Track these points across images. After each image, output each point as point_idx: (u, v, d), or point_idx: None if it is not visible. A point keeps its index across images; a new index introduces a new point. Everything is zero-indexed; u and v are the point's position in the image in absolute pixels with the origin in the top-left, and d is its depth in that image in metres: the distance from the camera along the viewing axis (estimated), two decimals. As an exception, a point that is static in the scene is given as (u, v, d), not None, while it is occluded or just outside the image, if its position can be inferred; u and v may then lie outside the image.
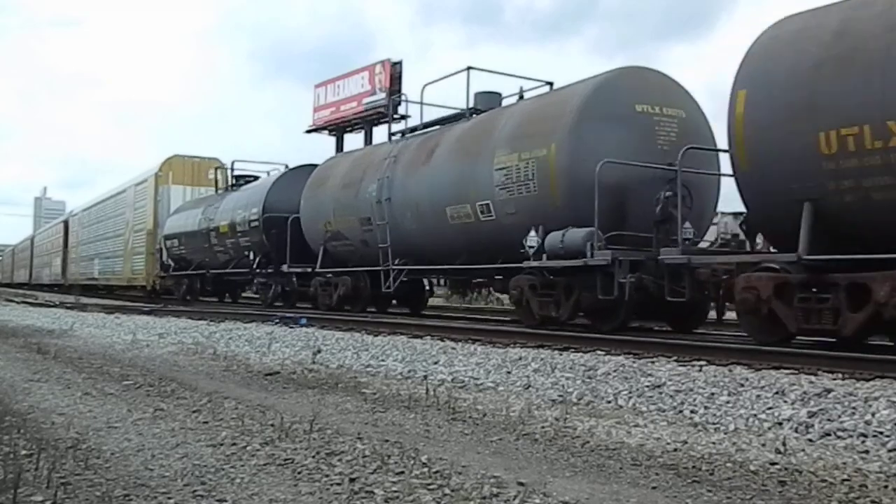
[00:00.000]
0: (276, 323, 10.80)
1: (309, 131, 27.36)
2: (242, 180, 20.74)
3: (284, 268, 16.14)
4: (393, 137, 14.40)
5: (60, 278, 38.02)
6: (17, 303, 21.71)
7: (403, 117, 18.74)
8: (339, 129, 26.12)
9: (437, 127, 13.00)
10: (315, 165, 16.88)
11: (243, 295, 22.29)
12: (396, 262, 12.61)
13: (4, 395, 4.90)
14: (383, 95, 19.94)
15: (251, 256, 17.65)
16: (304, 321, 10.93)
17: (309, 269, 15.37)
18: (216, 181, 22.68)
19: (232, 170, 21.62)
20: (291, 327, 10.21)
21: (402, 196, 12.40)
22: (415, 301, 15.16)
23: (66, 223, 38.93)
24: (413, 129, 13.84)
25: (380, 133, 20.71)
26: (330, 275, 14.74)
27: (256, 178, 20.49)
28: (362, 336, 8.74)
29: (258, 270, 17.51)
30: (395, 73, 23.30)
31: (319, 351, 7.47)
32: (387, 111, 19.47)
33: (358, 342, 8.11)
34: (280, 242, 16.19)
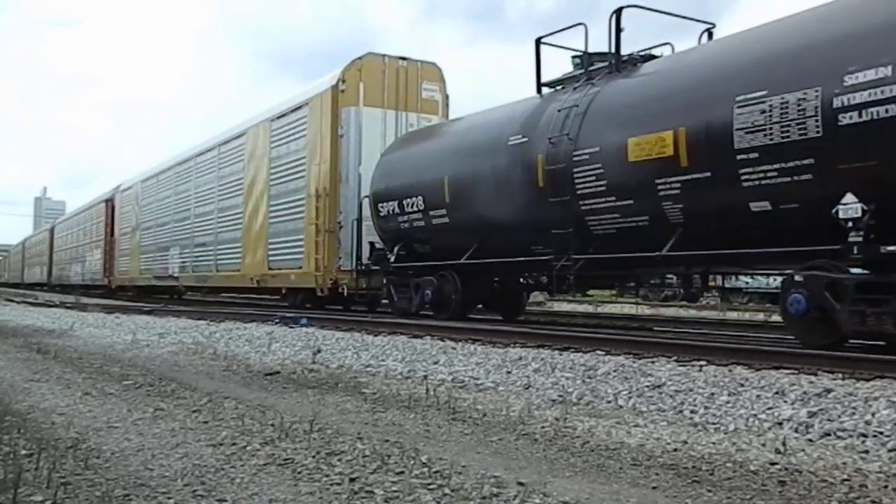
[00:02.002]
0: (276, 323, 10.80)
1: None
2: (634, 57, 9.19)
3: None
4: None
5: (100, 277, 29.58)
6: (18, 303, 21.72)
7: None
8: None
9: None
10: None
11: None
12: None
13: (4, 394, 4.91)
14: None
15: (846, 212, 6.22)
16: (304, 321, 10.93)
17: None
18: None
19: (619, 30, 9.10)
20: (291, 327, 10.21)
21: None
22: None
23: (109, 203, 29.66)
24: None
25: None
26: None
27: (651, 55, 9.23)
28: (362, 336, 8.73)
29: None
30: (397, 72, 23.29)
31: (319, 351, 7.47)
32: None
33: (358, 342, 8.11)
34: None
